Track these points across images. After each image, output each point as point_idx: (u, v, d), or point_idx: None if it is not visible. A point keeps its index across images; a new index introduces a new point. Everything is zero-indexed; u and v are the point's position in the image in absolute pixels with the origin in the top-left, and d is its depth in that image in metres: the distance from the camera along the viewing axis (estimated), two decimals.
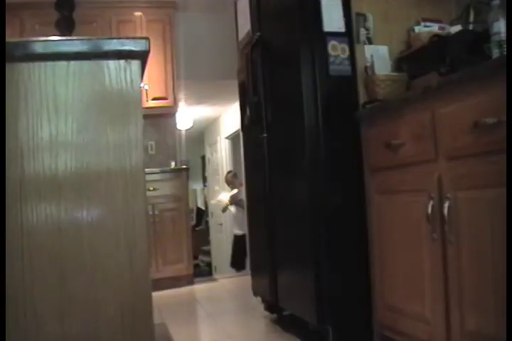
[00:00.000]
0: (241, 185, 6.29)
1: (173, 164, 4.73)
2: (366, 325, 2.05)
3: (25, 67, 1.02)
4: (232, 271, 6.19)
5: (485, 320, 1.41)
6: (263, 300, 2.85)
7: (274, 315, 2.77)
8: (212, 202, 8.08)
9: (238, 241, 6.37)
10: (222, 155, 7.33)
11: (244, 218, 6.00)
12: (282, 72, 2.38)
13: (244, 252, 5.96)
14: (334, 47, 2.11)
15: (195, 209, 10.57)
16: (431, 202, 1.62)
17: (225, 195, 6.75)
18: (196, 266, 6.97)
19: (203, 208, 10.43)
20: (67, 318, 1.05)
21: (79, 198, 1.07)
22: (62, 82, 1.04)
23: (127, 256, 1.05)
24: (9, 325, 0.99)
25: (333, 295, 2.06)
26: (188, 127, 6.38)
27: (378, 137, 1.95)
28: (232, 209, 6.43)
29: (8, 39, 0.99)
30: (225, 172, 6.93)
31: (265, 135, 2.57)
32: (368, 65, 2.15)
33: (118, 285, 1.05)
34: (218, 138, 7.56)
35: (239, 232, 6.41)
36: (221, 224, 7.38)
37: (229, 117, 6.84)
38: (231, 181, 6.54)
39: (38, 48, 1.02)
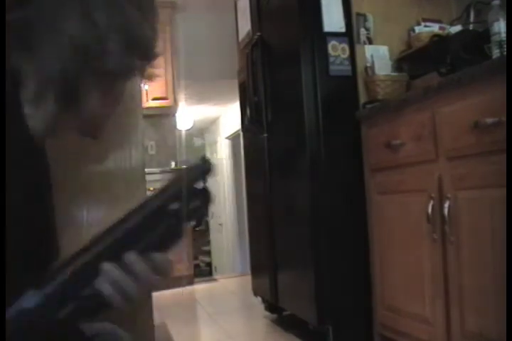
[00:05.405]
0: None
1: (173, 164, 4.72)
2: (366, 324, 2.05)
3: None
4: (232, 271, 6.18)
5: (485, 320, 1.41)
6: (263, 300, 2.85)
7: (275, 315, 2.77)
8: None
9: None
10: (223, 155, 7.32)
11: None
12: (282, 72, 2.38)
13: None
14: (334, 48, 2.11)
15: None
16: (431, 202, 1.62)
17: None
18: (196, 266, 6.97)
19: None
20: None
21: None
22: None
23: None
24: None
25: (333, 295, 2.06)
26: (188, 127, 6.36)
27: (378, 137, 1.95)
28: None
29: None
30: (225, 172, 6.83)
31: (265, 135, 2.57)
32: (369, 65, 2.15)
33: None
34: (218, 138, 7.56)
35: None
36: (221, 224, 7.37)
37: (229, 117, 6.83)
38: None
39: None
